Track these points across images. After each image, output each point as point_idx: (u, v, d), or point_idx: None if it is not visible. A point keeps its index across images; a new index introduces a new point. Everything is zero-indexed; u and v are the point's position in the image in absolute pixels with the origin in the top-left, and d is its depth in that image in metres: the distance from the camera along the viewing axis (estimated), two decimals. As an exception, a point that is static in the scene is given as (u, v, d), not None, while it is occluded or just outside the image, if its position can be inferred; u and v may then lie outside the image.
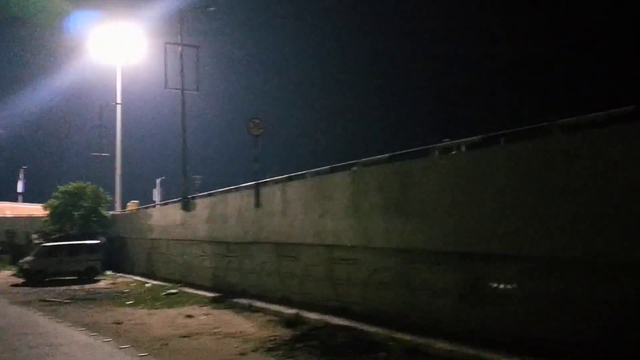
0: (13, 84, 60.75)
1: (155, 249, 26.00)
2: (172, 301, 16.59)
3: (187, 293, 18.36)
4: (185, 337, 10.67)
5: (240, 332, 10.90)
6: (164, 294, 18.46)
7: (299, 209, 13.88)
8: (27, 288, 22.23)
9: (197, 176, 51.14)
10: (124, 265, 29.75)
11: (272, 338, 10.06)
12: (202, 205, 20.83)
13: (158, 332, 11.34)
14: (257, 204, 16.13)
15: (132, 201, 45.95)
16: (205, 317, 13.32)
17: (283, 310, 12.75)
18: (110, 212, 34.25)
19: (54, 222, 31.65)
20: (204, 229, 20.27)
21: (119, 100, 38.78)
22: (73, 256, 25.58)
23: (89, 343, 10.30)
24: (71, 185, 31.98)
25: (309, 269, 13.54)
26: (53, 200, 31.39)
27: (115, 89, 38.13)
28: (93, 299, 18.09)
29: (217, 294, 16.84)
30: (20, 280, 25.02)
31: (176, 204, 23.68)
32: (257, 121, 16.36)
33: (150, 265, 26.47)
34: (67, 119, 64.66)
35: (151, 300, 17.19)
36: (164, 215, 24.85)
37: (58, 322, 13.17)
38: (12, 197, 55.42)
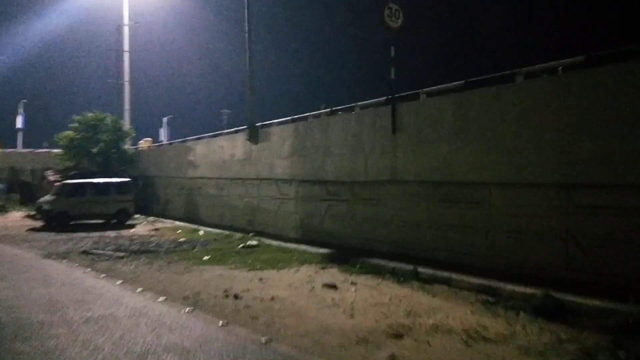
0: (12, 11, 53.99)
1: (199, 189, 21.44)
2: (264, 258, 12.07)
3: (272, 246, 13.92)
4: (397, 336, 6.06)
5: (483, 327, 6.32)
6: (241, 246, 13.99)
7: (503, 130, 9.19)
8: (51, 234, 17.74)
9: (225, 110, 45.95)
10: (152, 208, 25.41)
11: (586, 349, 5.51)
12: (280, 134, 16.08)
13: (324, 320, 6.83)
14: (395, 128, 11.41)
15: (144, 139, 41.13)
16: (355, 288, 8.84)
17: (498, 285, 8.14)
18: (134, 147, 29.44)
19: (70, 158, 26.81)
20: (285, 165, 15.64)
21: (125, 21, 32.94)
22: (101, 196, 21.04)
23: (233, 343, 5.76)
24: (89, 116, 26.94)
25: (512, 220, 9.02)
26: (70, 132, 26.38)
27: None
28: (150, 250, 13.67)
29: (328, 250, 12.41)
30: (38, 224, 20.61)
31: (235, 135, 18.93)
32: (395, 7, 11.36)
33: (192, 208, 22.00)
34: (72, 47, 58.44)
35: (230, 255, 12.72)
36: (216, 149, 20.08)
37: (138, 292, 8.66)
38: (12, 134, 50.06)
